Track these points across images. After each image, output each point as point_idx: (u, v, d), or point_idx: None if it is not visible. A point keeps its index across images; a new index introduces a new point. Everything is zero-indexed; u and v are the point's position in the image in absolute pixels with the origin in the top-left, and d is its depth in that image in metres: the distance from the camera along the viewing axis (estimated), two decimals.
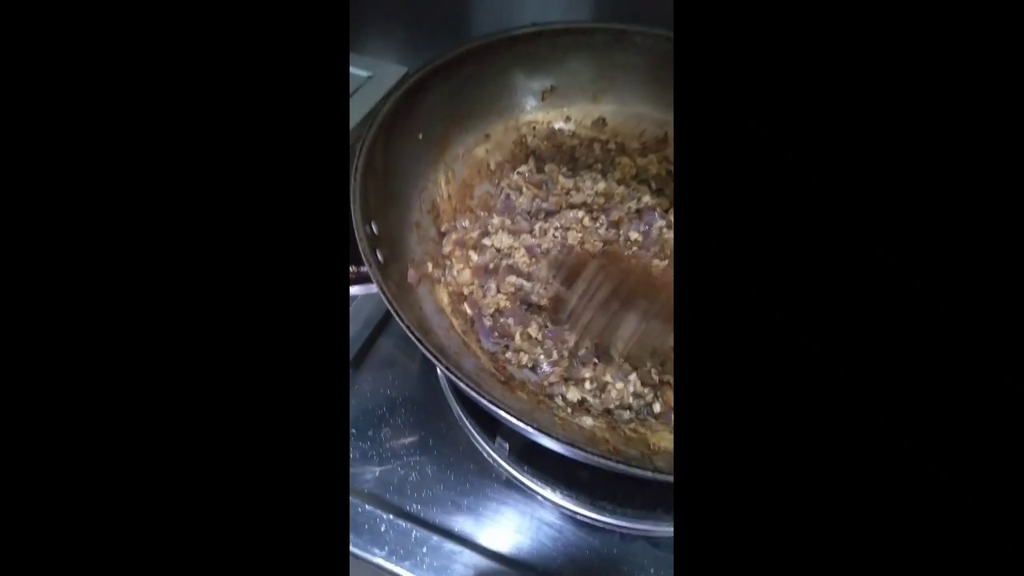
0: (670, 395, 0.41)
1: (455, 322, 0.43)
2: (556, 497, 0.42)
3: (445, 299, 0.44)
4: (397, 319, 0.35)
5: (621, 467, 0.32)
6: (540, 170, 0.51)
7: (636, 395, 0.40)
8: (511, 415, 0.33)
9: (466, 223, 0.48)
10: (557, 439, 0.32)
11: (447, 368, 0.33)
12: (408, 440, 0.45)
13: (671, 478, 0.34)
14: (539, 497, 0.42)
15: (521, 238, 0.46)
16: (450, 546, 0.40)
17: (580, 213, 0.48)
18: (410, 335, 0.34)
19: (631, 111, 0.55)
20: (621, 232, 0.47)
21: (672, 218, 0.49)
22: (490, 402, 0.33)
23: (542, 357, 0.42)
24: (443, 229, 0.47)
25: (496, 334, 0.43)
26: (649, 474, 0.31)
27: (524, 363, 0.42)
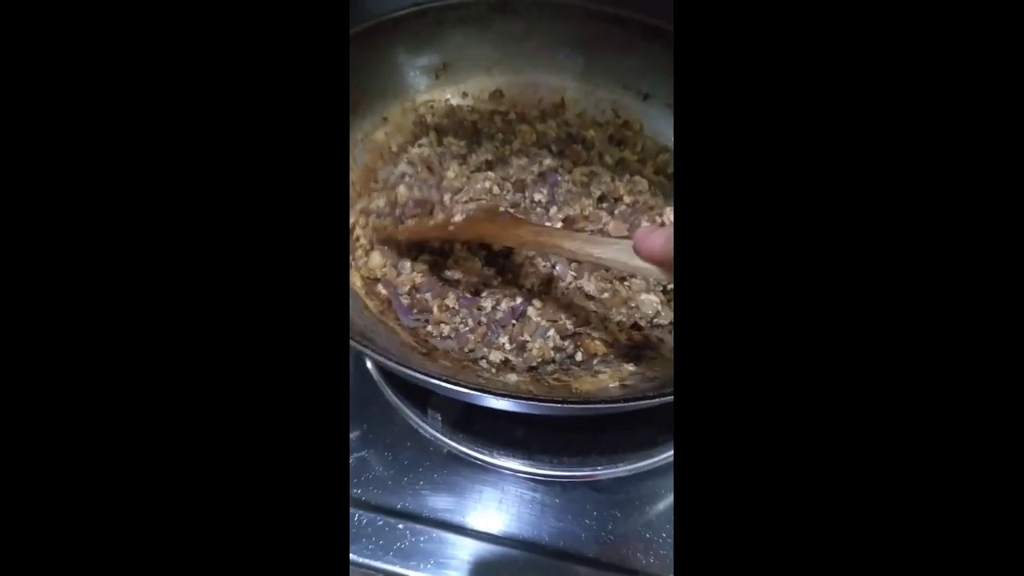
0: (588, 343, 0.42)
1: (369, 303, 0.43)
2: (496, 459, 0.43)
3: (358, 282, 0.44)
4: None
5: (545, 404, 0.34)
6: (440, 143, 0.51)
7: (556, 348, 0.41)
8: (434, 377, 0.33)
9: (370, 201, 0.48)
10: (481, 390, 0.33)
11: (362, 345, 0.34)
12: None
13: (597, 406, 0.35)
14: (479, 462, 0.43)
15: (436, 217, 0.47)
16: (396, 524, 0.40)
17: (488, 183, 0.49)
18: None
19: (526, 80, 0.56)
20: (527, 195, 0.48)
21: (576, 176, 0.50)
22: (411, 369, 0.33)
23: (461, 325, 0.42)
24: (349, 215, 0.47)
25: (416, 310, 0.44)
26: (569, 406, 0.32)
27: (445, 334, 0.42)
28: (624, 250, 0.32)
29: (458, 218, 0.43)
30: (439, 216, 0.46)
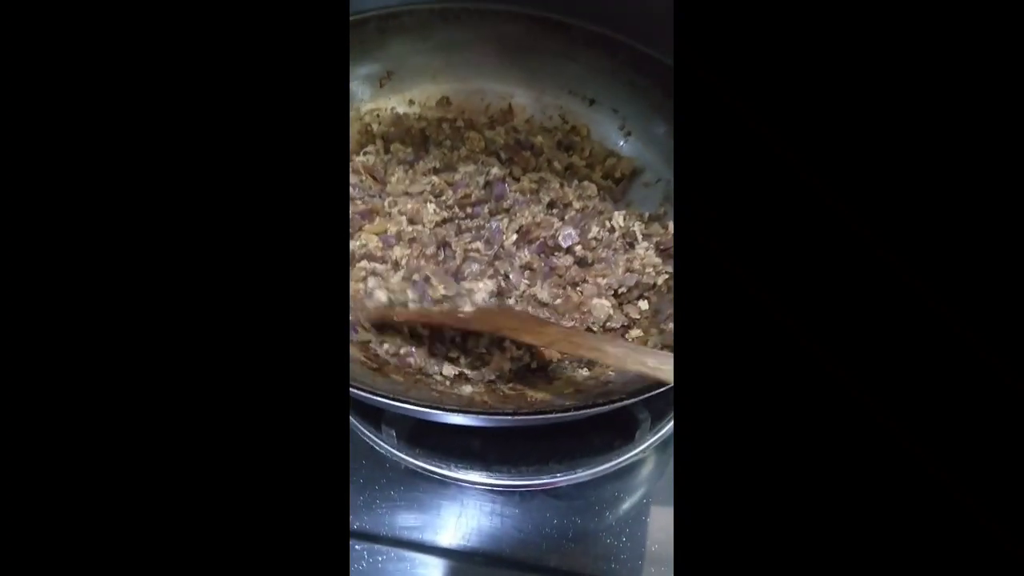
0: (544, 350, 0.42)
1: None
2: (453, 472, 0.42)
3: None
4: None
5: (500, 417, 0.33)
6: (386, 151, 0.51)
7: (513, 358, 0.41)
8: (386, 397, 0.32)
9: None
10: (434, 407, 0.32)
11: None
12: None
13: (550, 414, 0.35)
14: (437, 476, 0.42)
15: (376, 222, 0.46)
16: (351, 544, 0.39)
17: (431, 186, 0.48)
18: None
19: (472, 87, 0.55)
20: (472, 210, 0.48)
21: (524, 184, 0.50)
22: (362, 389, 0.32)
23: (404, 346, 0.41)
24: None
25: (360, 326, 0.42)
26: (531, 417, 0.32)
27: (392, 352, 0.41)
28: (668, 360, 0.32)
29: (468, 308, 0.40)
30: (381, 222, 0.45)
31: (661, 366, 0.32)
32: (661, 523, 0.41)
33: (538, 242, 0.46)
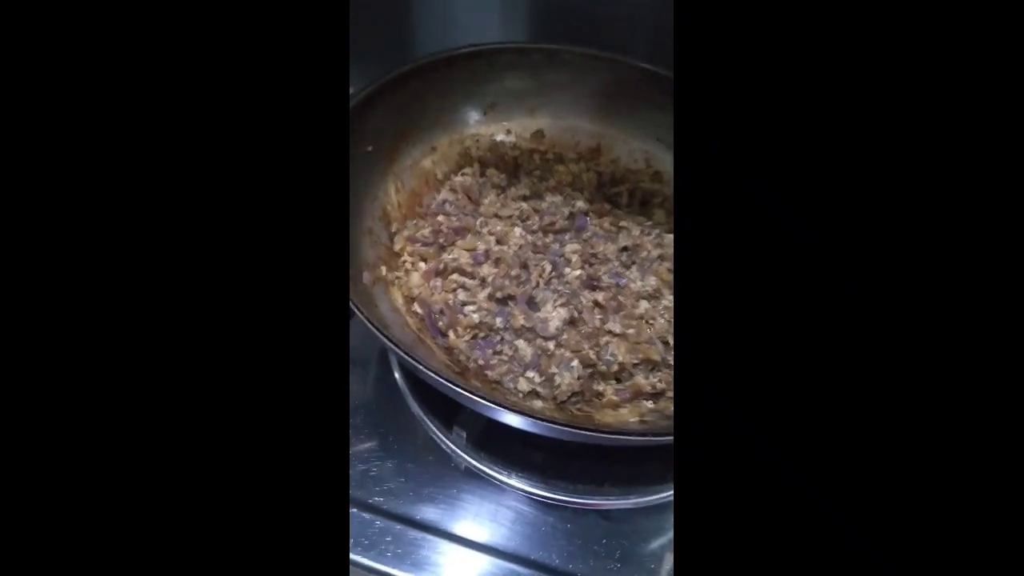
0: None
1: (410, 321, 0.46)
2: (513, 480, 0.45)
3: (399, 299, 0.47)
4: (359, 315, 0.37)
5: (569, 430, 0.36)
6: (482, 174, 0.55)
7: (580, 378, 0.44)
8: (469, 392, 0.35)
9: (416, 229, 0.51)
10: (510, 410, 0.35)
11: (405, 354, 0.36)
12: (367, 441, 0.47)
13: (616, 437, 0.37)
14: (496, 481, 0.45)
15: (467, 239, 0.50)
16: (413, 534, 0.42)
17: (520, 212, 0.52)
18: (372, 328, 0.36)
19: (566, 124, 0.59)
20: (554, 236, 0.51)
21: (606, 224, 0.53)
22: (447, 381, 0.35)
23: (482, 358, 0.44)
24: (394, 233, 0.50)
25: (442, 333, 0.46)
26: (590, 434, 0.35)
27: (474, 357, 0.44)
28: None
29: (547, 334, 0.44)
30: (472, 239, 0.49)
31: None
32: None
33: (598, 279, 0.49)
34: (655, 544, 0.43)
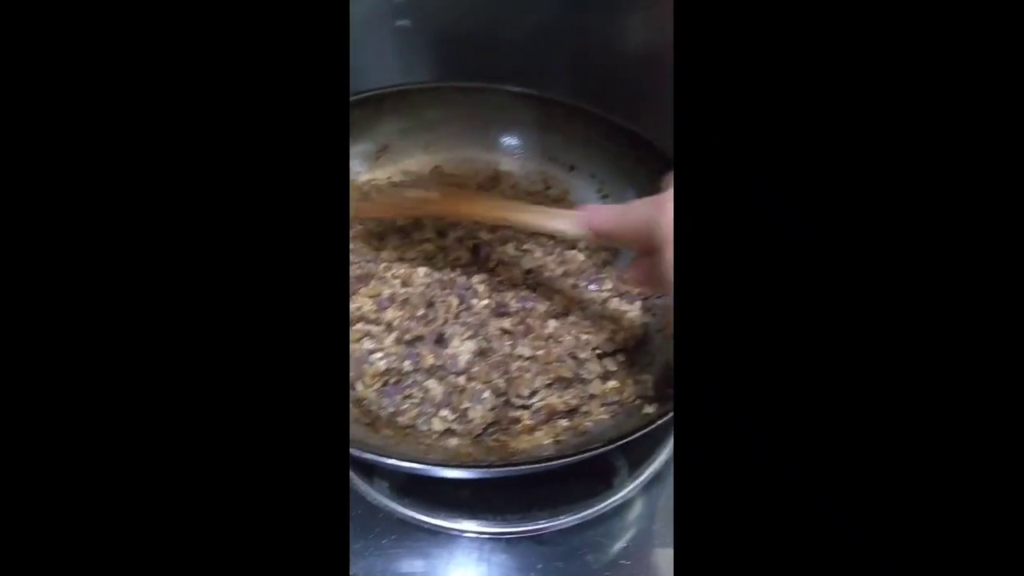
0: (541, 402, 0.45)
1: None
2: (442, 521, 0.44)
3: None
4: None
5: (485, 469, 0.36)
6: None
7: (493, 408, 0.44)
8: (379, 454, 0.36)
9: None
10: (425, 463, 0.36)
11: None
12: None
13: (528, 467, 0.37)
14: (427, 525, 0.44)
15: (370, 285, 0.50)
16: None
17: (421, 266, 0.52)
18: None
19: (461, 156, 0.60)
20: (460, 270, 0.52)
21: (509, 250, 0.54)
22: (358, 448, 0.35)
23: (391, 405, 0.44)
24: None
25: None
26: (508, 468, 0.35)
27: (384, 406, 0.44)
28: (569, 222, 0.40)
29: (457, 369, 0.45)
30: (376, 285, 0.49)
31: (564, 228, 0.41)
32: (642, 567, 0.43)
33: (506, 305, 0.49)
34: (593, 562, 0.43)
